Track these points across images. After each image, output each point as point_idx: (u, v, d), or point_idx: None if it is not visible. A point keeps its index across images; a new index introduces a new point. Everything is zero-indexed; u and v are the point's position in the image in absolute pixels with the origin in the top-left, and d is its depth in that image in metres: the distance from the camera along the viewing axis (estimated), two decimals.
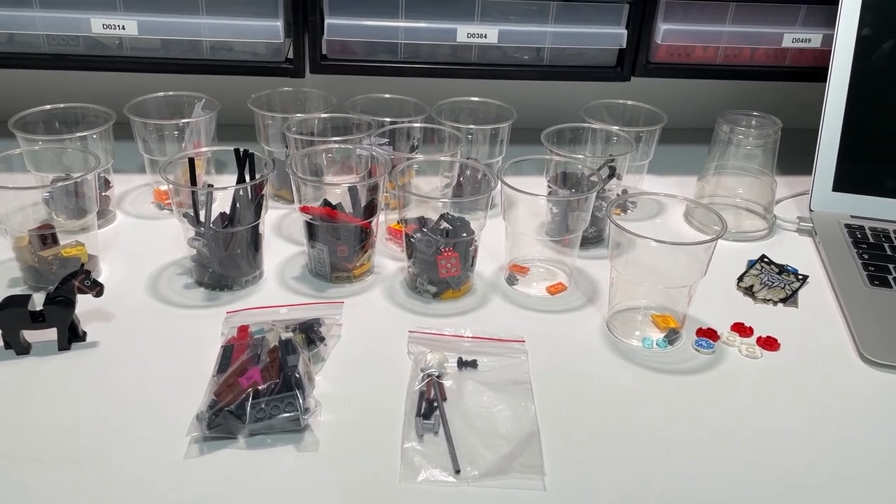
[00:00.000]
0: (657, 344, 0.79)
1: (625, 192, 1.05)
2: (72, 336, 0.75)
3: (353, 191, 0.86)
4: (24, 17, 0.97)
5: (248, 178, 0.85)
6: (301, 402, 0.65)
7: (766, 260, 0.94)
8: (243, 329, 0.75)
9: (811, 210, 1.03)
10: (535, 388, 0.73)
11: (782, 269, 0.92)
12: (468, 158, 1.01)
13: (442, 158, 0.94)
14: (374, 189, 0.86)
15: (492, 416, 0.69)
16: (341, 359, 0.76)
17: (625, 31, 1.05)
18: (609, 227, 0.78)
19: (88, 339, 0.76)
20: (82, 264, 0.76)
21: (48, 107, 0.94)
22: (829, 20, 1.02)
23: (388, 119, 0.99)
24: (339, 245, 0.86)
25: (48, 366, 0.73)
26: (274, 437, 0.66)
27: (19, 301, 0.73)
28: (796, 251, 0.98)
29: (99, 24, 0.98)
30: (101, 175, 0.96)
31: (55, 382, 0.71)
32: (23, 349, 0.73)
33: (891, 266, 0.91)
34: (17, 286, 0.83)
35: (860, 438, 0.70)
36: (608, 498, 0.62)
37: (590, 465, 0.65)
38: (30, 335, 0.74)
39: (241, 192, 0.83)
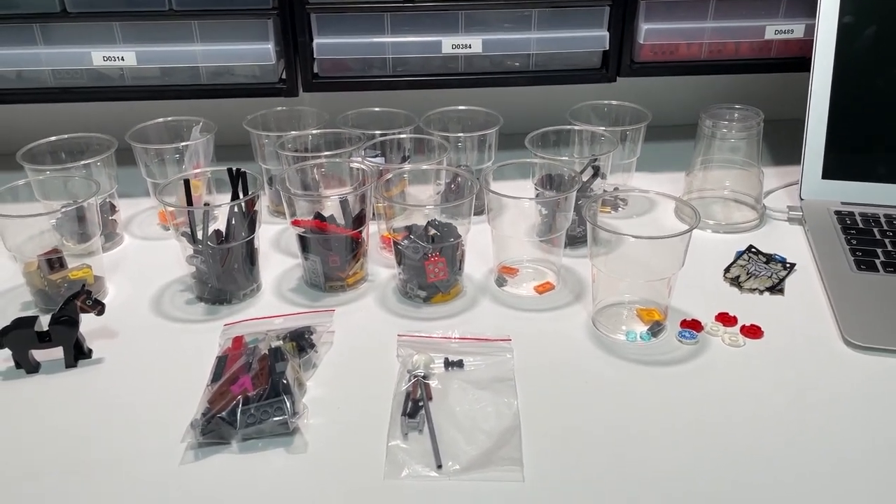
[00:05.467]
0: (641, 337, 0.81)
1: (616, 189, 1.06)
2: (78, 354, 0.79)
3: (343, 203, 0.89)
4: (29, 54, 1.02)
5: (241, 195, 0.89)
6: (289, 406, 0.68)
7: (753, 250, 0.95)
8: (238, 340, 0.79)
9: (801, 199, 1.03)
10: (519, 385, 0.75)
11: (770, 259, 0.93)
12: (459, 166, 1.04)
13: (425, 167, 0.97)
14: (363, 199, 0.89)
15: (475, 413, 0.71)
16: (332, 364, 0.79)
17: (607, 34, 1.07)
18: (587, 226, 0.80)
19: (94, 355, 0.80)
20: (83, 285, 0.80)
21: (53, 138, 0.99)
22: (811, 10, 1.03)
23: (378, 132, 1.02)
24: (330, 255, 0.89)
25: (56, 383, 0.77)
26: (265, 441, 0.69)
27: (26, 322, 0.77)
28: (786, 240, 0.99)
29: (99, 57, 1.03)
30: (107, 200, 1.01)
31: (63, 398, 0.75)
32: (32, 368, 0.78)
33: (878, 250, 0.91)
34: (28, 309, 0.88)
35: (843, 422, 0.70)
36: (588, 488, 0.64)
37: (570, 456, 0.67)
38: (38, 355, 0.79)
39: (234, 209, 0.86)
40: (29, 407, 0.74)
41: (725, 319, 0.83)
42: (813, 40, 1.02)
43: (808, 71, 1.02)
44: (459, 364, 0.78)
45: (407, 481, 0.65)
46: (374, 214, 0.94)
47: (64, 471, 0.67)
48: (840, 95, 1.01)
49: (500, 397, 0.73)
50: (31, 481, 0.66)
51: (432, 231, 0.87)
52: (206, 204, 0.96)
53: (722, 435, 0.69)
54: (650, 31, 1.07)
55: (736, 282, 0.90)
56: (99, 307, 0.78)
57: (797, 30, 1.08)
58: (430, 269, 0.86)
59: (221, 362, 0.75)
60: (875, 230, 0.95)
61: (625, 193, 1.07)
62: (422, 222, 0.88)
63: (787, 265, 0.92)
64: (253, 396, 0.69)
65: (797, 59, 1.10)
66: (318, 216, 0.89)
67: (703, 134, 1.02)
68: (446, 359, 0.78)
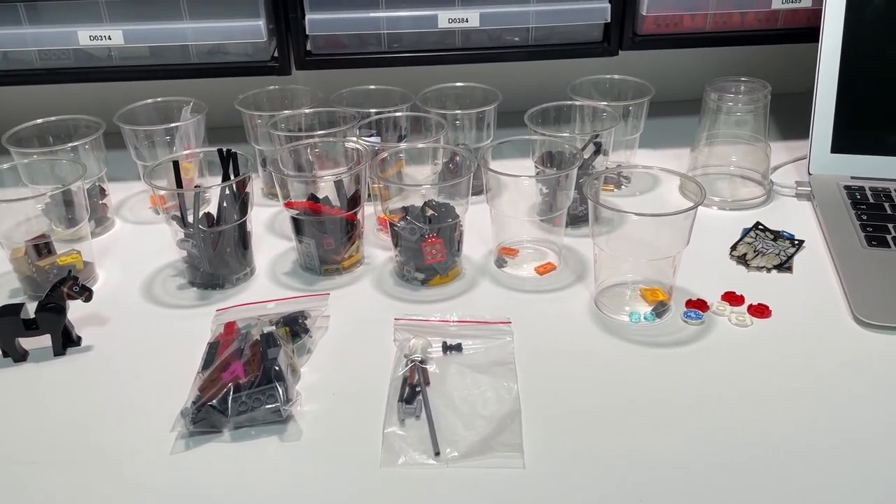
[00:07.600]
0: (644, 317, 0.78)
1: (618, 166, 1.04)
2: (66, 341, 0.77)
3: (338, 184, 0.87)
4: (14, 34, 0.99)
5: (232, 177, 0.86)
6: (281, 393, 0.66)
7: (760, 227, 0.92)
8: (230, 325, 0.76)
9: (810, 174, 1.01)
10: (520, 368, 0.73)
11: (777, 236, 0.91)
12: (457, 144, 1.01)
13: (421, 146, 0.94)
14: (358, 180, 0.86)
15: (474, 397, 0.69)
16: (327, 349, 0.77)
17: (608, 5, 1.03)
18: (589, 204, 0.77)
19: (84, 343, 0.78)
20: (69, 271, 0.78)
21: (40, 121, 0.97)
22: None
23: (373, 110, 0.99)
24: (325, 238, 0.87)
25: (44, 371, 0.75)
26: (258, 429, 0.67)
27: (12, 310, 0.75)
28: (794, 217, 0.96)
29: (86, 37, 1.00)
30: (97, 184, 0.98)
31: (51, 387, 0.73)
32: (19, 356, 0.76)
33: (890, 226, 0.89)
34: (17, 297, 0.86)
35: (854, 401, 0.68)
36: (591, 473, 0.62)
37: (572, 441, 0.65)
38: (26, 343, 0.77)
39: (225, 191, 0.84)
40: (17, 396, 0.72)
41: (732, 299, 0.81)
42: (821, 9, 0.99)
43: (817, 42, 0.99)
44: (458, 348, 0.75)
45: (404, 469, 0.63)
46: (370, 195, 0.91)
47: (52, 460, 0.65)
48: (850, 67, 0.98)
49: (499, 381, 0.71)
50: (19, 470, 0.64)
51: (429, 212, 0.85)
52: (197, 186, 0.93)
53: (728, 417, 0.67)
54: (653, 3, 1.03)
55: (743, 260, 0.87)
56: (86, 293, 0.76)
57: None
58: (428, 250, 0.83)
59: (213, 349, 0.73)
60: (886, 205, 0.93)
61: (628, 170, 1.04)
62: (419, 203, 0.85)
63: (796, 242, 0.89)
64: (244, 384, 0.67)
65: (805, 30, 1.06)
66: (312, 197, 0.87)
67: (709, 108, 0.99)
68: (444, 343, 0.76)
